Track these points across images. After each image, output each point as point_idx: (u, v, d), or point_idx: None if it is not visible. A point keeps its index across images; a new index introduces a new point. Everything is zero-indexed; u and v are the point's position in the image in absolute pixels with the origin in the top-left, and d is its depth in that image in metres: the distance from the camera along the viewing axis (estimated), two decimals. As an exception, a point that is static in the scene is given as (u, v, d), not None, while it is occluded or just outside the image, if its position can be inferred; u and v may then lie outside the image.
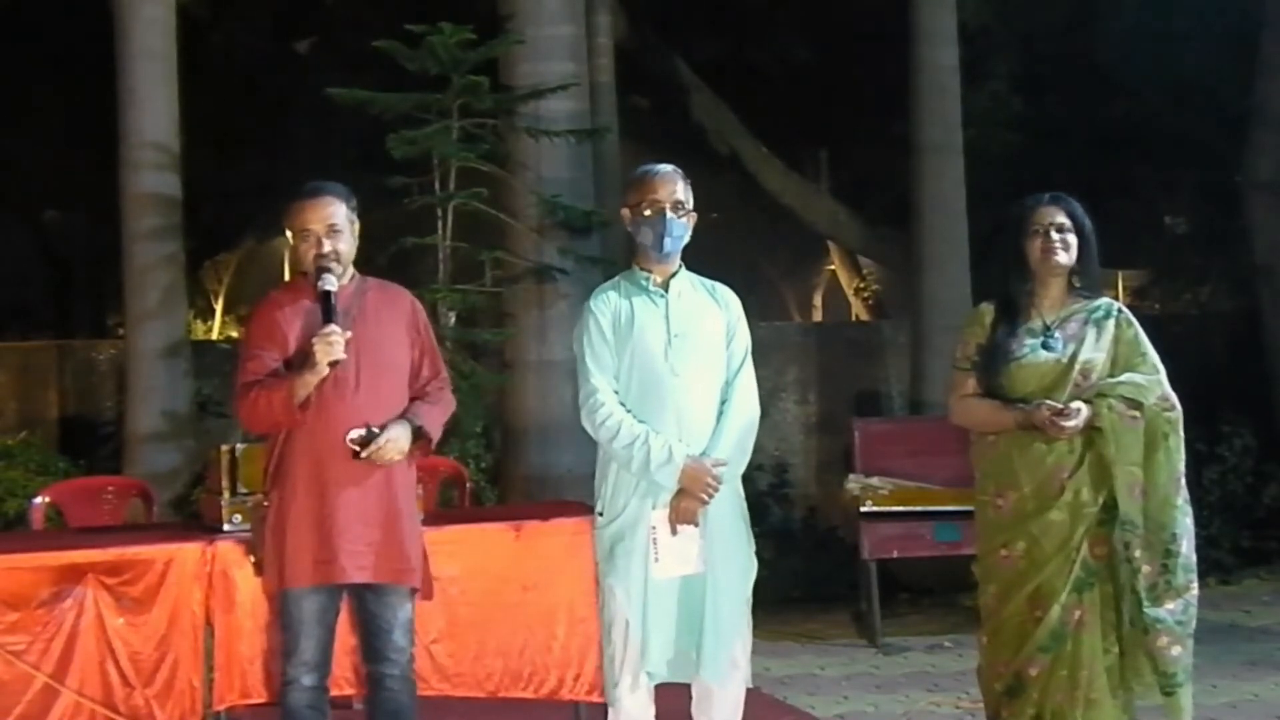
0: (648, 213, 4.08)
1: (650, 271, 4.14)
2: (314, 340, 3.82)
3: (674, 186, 4.10)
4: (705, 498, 3.99)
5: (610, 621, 4.11)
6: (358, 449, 3.89)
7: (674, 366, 4.05)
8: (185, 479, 7.70)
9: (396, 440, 3.93)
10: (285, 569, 3.92)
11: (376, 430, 3.91)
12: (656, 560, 4.00)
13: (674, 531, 4.00)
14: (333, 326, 3.83)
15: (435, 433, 4.06)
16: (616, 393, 4.08)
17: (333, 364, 3.83)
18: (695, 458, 3.99)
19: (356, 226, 4.07)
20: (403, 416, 3.99)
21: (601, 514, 4.15)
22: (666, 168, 4.16)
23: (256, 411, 3.92)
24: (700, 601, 4.03)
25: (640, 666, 4.03)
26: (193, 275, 13.75)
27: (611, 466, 4.11)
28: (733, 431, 4.08)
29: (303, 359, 3.87)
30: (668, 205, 4.07)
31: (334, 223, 3.97)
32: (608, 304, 4.14)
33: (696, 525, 4.01)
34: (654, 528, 4.01)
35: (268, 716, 4.34)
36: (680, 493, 4.00)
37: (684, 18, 12.61)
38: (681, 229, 4.10)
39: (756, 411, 4.17)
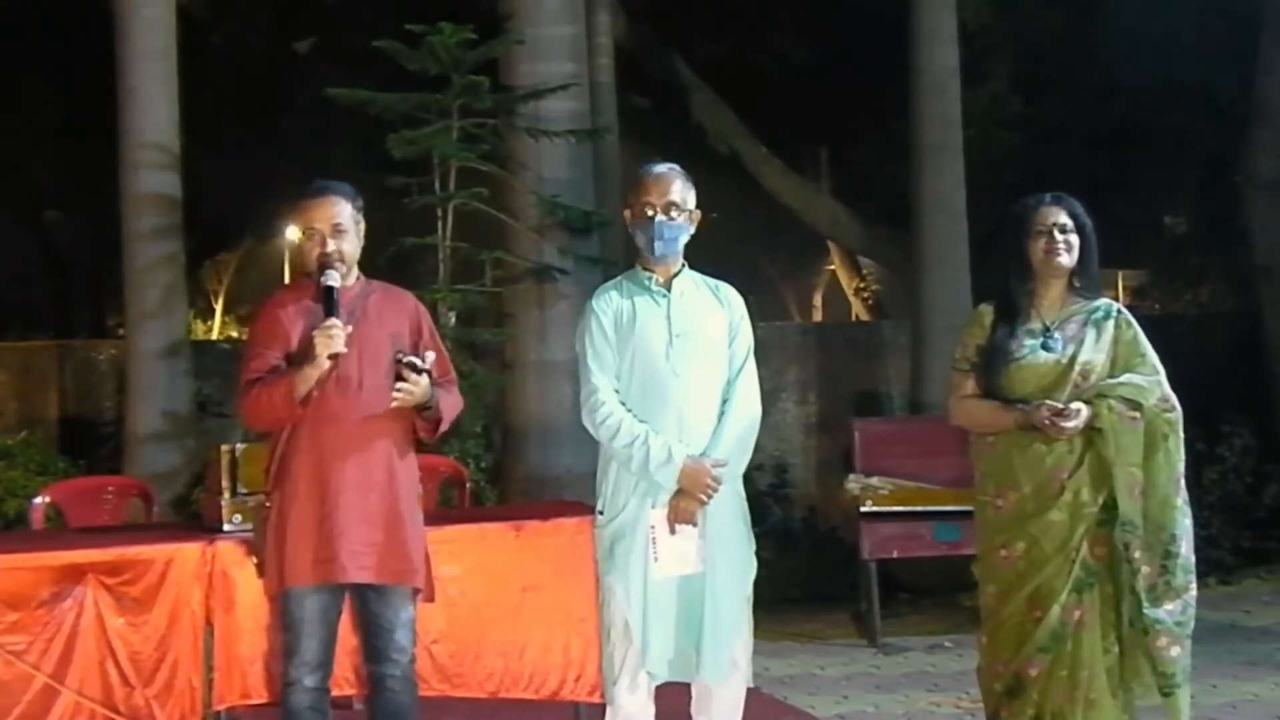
0: (642, 215, 4.08)
1: (652, 271, 4.14)
2: (314, 333, 3.82)
3: (666, 188, 4.07)
4: (704, 498, 3.99)
5: (610, 620, 4.11)
6: (405, 366, 3.87)
7: (675, 366, 4.05)
8: (185, 479, 7.70)
9: (424, 389, 3.92)
10: (285, 568, 3.91)
11: (420, 363, 3.88)
12: (656, 559, 4.00)
13: (673, 531, 4.00)
14: (333, 320, 3.83)
15: (444, 416, 4.04)
16: (617, 392, 4.08)
17: (333, 357, 3.83)
18: (695, 458, 3.99)
19: (362, 227, 4.06)
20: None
21: (602, 512, 4.15)
22: (662, 168, 4.14)
23: (258, 408, 3.92)
24: (700, 601, 4.03)
25: (640, 666, 4.03)
26: (193, 275, 13.76)
27: (612, 465, 4.11)
28: (733, 432, 4.07)
29: (304, 355, 3.87)
30: (659, 208, 4.06)
31: (339, 222, 3.97)
32: (609, 303, 4.14)
33: (695, 525, 4.01)
34: (653, 527, 4.01)
35: (268, 716, 4.34)
36: (679, 493, 4.00)
37: (684, 18, 12.62)
38: (675, 231, 4.08)
39: (758, 411, 4.16)
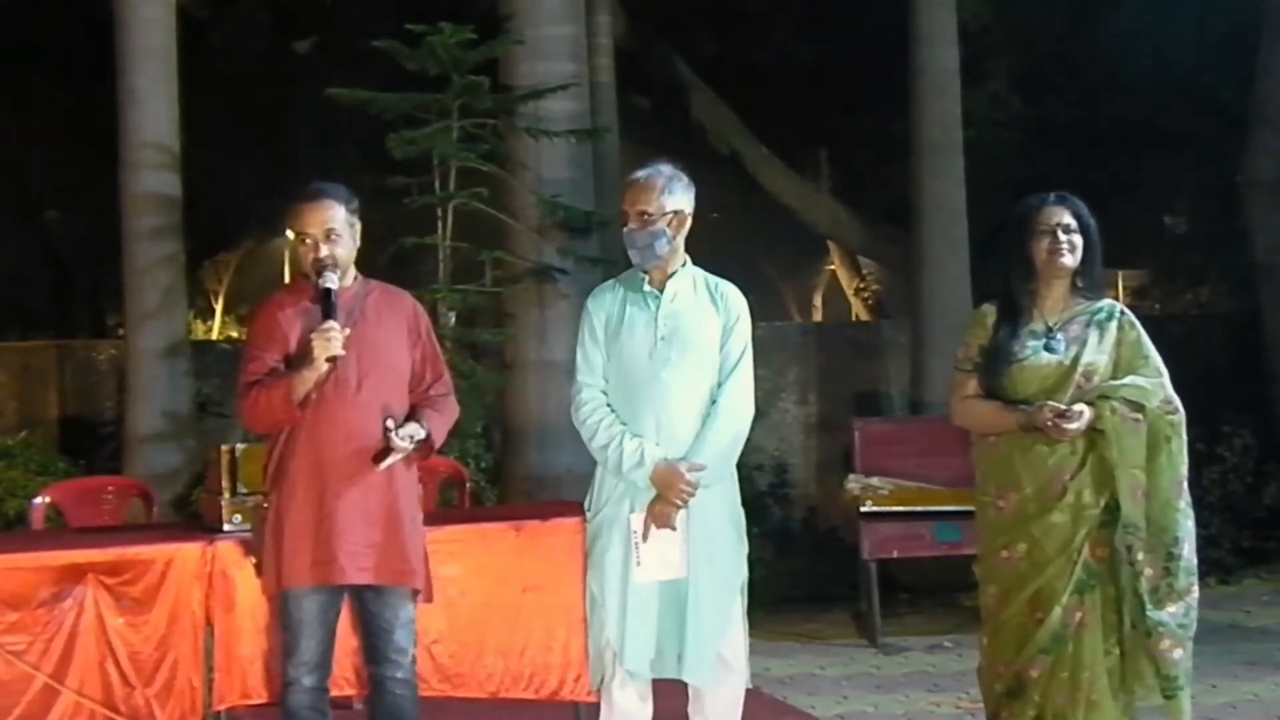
0: (622, 224, 4.11)
1: (647, 272, 4.14)
2: (313, 336, 3.83)
3: (638, 196, 4.06)
4: (679, 502, 3.99)
5: (592, 618, 4.14)
6: (391, 439, 3.88)
7: (657, 369, 4.05)
8: (185, 479, 7.70)
9: (411, 442, 3.94)
10: (283, 569, 3.92)
11: (401, 441, 3.89)
12: (638, 564, 4.00)
13: (645, 537, 4.00)
14: (331, 323, 3.84)
15: (438, 441, 4.07)
16: (604, 393, 4.09)
17: (331, 360, 3.84)
18: (668, 461, 3.99)
19: (358, 229, 4.06)
20: (411, 420, 4.00)
21: (588, 510, 4.18)
22: (640, 174, 4.12)
23: (257, 410, 3.92)
24: (682, 602, 4.03)
25: (622, 663, 4.04)
26: (193, 275, 13.75)
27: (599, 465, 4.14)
28: (717, 435, 4.05)
29: (303, 357, 3.87)
30: (631, 216, 4.07)
31: (332, 227, 3.97)
32: (603, 304, 4.16)
33: (674, 529, 4.00)
34: (635, 531, 4.01)
35: (268, 716, 4.34)
36: (656, 497, 4.00)
37: (684, 18, 12.62)
38: (647, 239, 4.06)
39: (747, 414, 4.13)
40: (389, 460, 3.91)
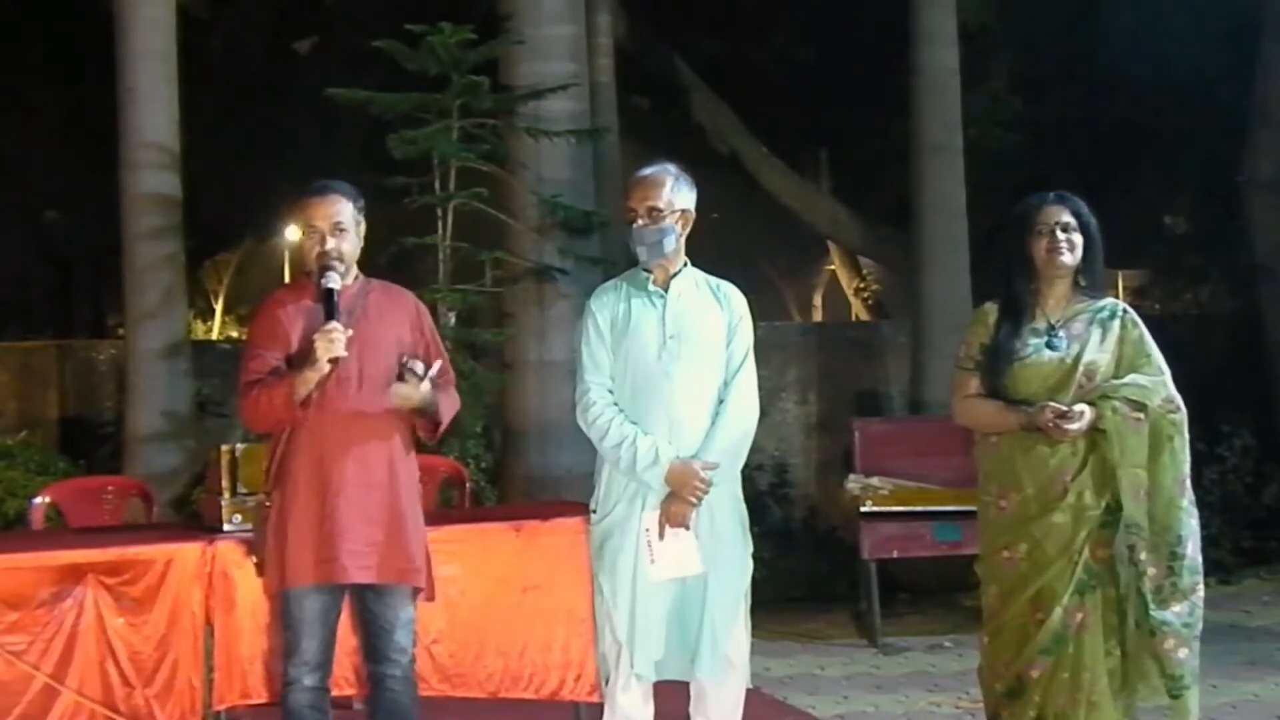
0: (629, 221, 4.10)
1: (650, 272, 4.14)
2: (315, 337, 3.84)
3: (647, 192, 4.08)
4: (694, 500, 3.99)
5: (601, 619, 4.13)
6: (408, 370, 3.92)
7: (666, 368, 4.05)
8: (185, 479, 7.69)
9: (423, 394, 3.96)
10: (287, 568, 3.92)
11: (418, 368, 3.93)
12: (652, 562, 4.00)
13: (661, 535, 4.00)
14: (334, 323, 3.84)
15: (445, 418, 4.08)
16: (611, 392, 4.09)
17: (333, 361, 3.85)
18: (683, 460, 3.99)
19: (362, 227, 4.08)
20: None
21: (594, 511, 4.17)
22: (648, 171, 4.13)
23: (258, 410, 3.92)
24: (692, 601, 4.04)
25: (630, 665, 4.03)
26: (193, 275, 13.76)
27: (606, 465, 4.14)
28: (726, 433, 4.07)
29: (304, 357, 3.88)
30: (640, 213, 4.07)
31: (339, 221, 3.99)
32: (607, 304, 4.16)
33: (688, 528, 4.00)
34: (647, 530, 4.01)
35: (268, 716, 4.34)
36: (670, 495, 4.00)
37: (684, 18, 12.62)
38: (656, 235, 4.07)
39: (754, 413, 4.15)
40: (402, 390, 3.92)
